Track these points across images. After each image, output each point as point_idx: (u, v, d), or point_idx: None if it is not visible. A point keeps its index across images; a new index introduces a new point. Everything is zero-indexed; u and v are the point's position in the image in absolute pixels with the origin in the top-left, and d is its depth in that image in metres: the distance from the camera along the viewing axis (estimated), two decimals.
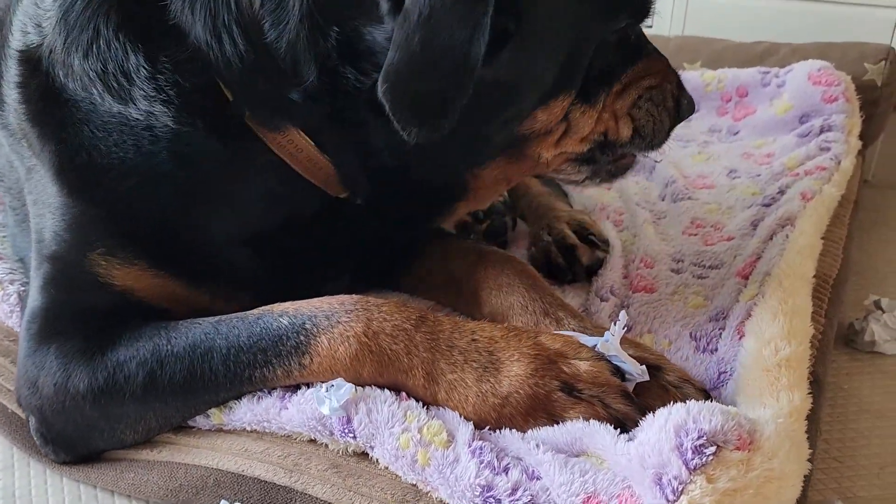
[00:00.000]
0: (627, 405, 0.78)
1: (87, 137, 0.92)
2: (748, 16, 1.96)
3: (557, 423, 0.80)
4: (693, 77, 1.76)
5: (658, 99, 1.04)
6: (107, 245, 0.93)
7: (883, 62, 1.67)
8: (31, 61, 0.95)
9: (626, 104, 1.02)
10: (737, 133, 1.66)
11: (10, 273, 1.16)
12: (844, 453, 1.04)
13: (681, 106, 1.07)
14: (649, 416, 0.71)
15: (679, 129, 1.67)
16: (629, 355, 0.84)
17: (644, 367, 0.81)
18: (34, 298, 0.97)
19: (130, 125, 0.91)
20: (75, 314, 0.94)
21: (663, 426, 0.66)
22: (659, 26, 2.06)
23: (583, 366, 0.82)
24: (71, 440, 0.95)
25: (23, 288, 1.14)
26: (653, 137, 1.05)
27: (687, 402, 0.70)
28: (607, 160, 1.06)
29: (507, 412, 0.81)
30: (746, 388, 0.79)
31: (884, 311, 1.26)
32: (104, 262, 0.93)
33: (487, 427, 0.82)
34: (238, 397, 0.91)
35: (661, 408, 0.70)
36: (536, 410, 0.80)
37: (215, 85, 0.89)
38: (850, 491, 0.99)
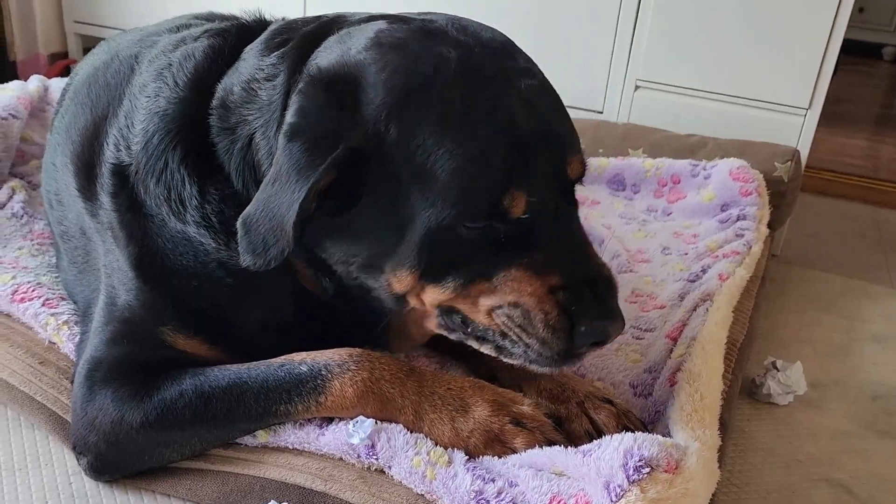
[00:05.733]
0: (558, 435, 1.08)
1: (160, 246, 1.14)
2: (682, 111, 2.28)
3: (510, 450, 1.05)
4: (636, 162, 2.07)
5: (522, 321, 1.00)
6: (174, 323, 1.15)
7: (789, 162, 2.00)
8: (121, 175, 1.17)
9: (488, 305, 1.02)
10: (670, 214, 1.96)
11: (75, 315, 1.36)
12: (742, 480, 1.32)
13: (587, 326, 0.97)
14: (606, 437, 0.98)
15: (623, 207, 1.99)
16: (589, 392, 1.13)
17: None
18: (98, 349, 1.16)
19: (189, 240, 1.13)
20: (134, 364, 1.14)
21: (616, 448, 0.94)
22: (610, 114, 2.38)
23: (526, 409, 1.09)
24: (120, 465, 1.14)
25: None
26: (525, 353, 1.02)
27: (635, 432, 0.97)
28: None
29: (472, 442, 1.07)
30: (681, 422, 1.05)
31: (779, 370, 1.55)
32: (171, 333, 1.15)
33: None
34: (265, 427, 1.13)
35: (616, 433, 0.98)
36: (493, 441, 1.07)
37: None
38: None
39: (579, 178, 1.07)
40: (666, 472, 0.93)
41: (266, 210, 0.97)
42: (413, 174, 0.96)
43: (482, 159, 0.95)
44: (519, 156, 0.96)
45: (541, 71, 1.09)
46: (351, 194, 0.99)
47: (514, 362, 1.06)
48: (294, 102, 1.00)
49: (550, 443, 1.06)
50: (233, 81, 1.12)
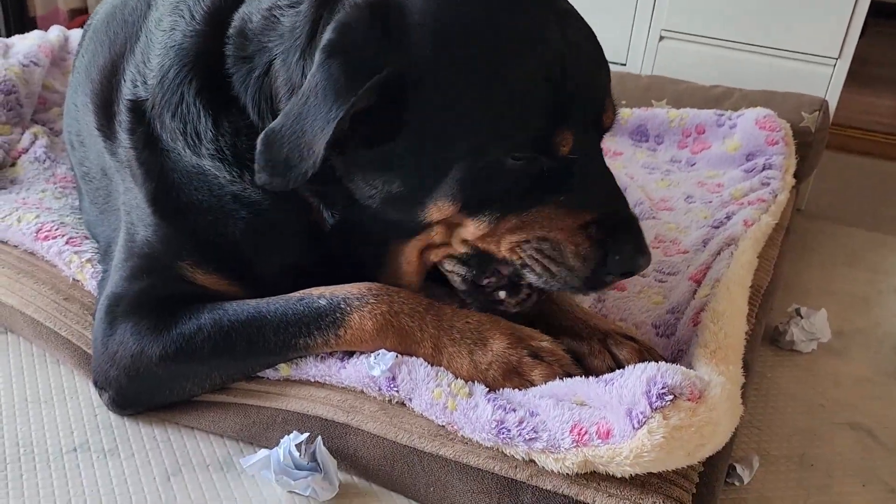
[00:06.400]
0: (577, 369, 1.07)
1: (176, 182, 1.14)
2: (708, 61, 2.24)
3: (529, 383, 1.05)
4: (661, 113, 2.04)
5: (552, 253, 1.02)
6: (192, 259, 1.15)
7: (817, 112, 1.96)
8: (138, 112, 1.16)
9: (513, 241, 1.04)
10: (694, 164, 1.94)
11: (98, 253, 1.37)
12: (763, 422, 1.32)
13: (620, 256, 1.01)
14: (629, 367, 0.97)
15: (646, 158, 1.97)
16: (610, 329, 1.13)
17: None
18: (118, 285, 1.17)
19: (204, 173, 1.13)
20: (154, 299, 1.15)
21: (639, 376, 0.93)
22: (633, 65, 2.35)
23: (545, 343, 1.09)
24: (141, 399, 1.16)
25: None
26: (549, 281, 1.04)
27: (658, 362, 0.97)
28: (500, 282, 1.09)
29: (491, 375, 1.06)
30: (704, 359, 1.04)
31: (802, 318, 1.53)
32: (191, 269, 1.16)
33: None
34: (285, 361, 1.14)
35: (639, 363, 0.97)
36: (511, 374, 1.07)
37: None
38: (765, 451, 1.26)
39: (610, 126, 1.08)
40: (689, 400, 0.93)
41: (294, 127, 0.94)
42: (463, 103, 0.95)
43: (537, 93, 0.95)
44: (569, 95, 0.97)
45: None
46: (387, 124, 0.97)
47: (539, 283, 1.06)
48: (335, 21, 0.96)
49: (569, 376, 1.06)
50: (251, 10, 1.10)
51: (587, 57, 1.02)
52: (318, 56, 0.94)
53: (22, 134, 1.79)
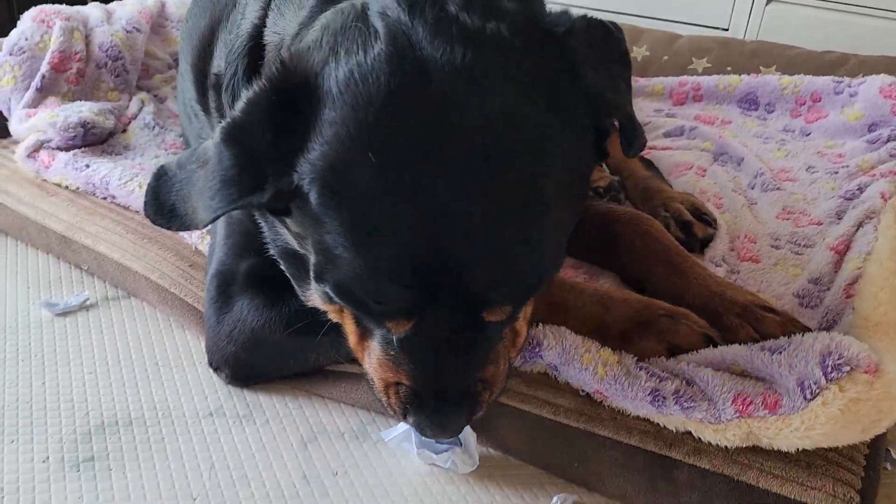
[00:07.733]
0: (716, 332, 1.03)
1: None
2: (819, 25, 2.14)
3: (670, 345, 1.02)
4: (772, 80, 1.94)
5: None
6: None
7: None
8: (218, 87, 1.13)
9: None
10: (808, 134, 1.84)
11: None
12: None
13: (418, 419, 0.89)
14: (797, 336, 0.94)
15: (758, 127, 1.88)
16: (748, 300, 1.08)
17: None
18: (224, 263, 1.14)
19: None
20: (264, 275, 1.09)
21: (811, 345, 0.89)
22: (736, 30, 2.25)
23: (678, 308, 1.05)
24: (261, 371, 1.15)
25: None
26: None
27: (830, 331, 0.92)
28: None
29: (628, 328, 1.03)
30: (867, 331, 0.98)
31: None
32: None
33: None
34: None
35: (812, 332, 0.94)
36: (649, 330, 1.03)
37: None
38: None
39: (501, 322, 0.86)
40: (866, 372, 0.88)
41: (183, 186, 0.86)
42: (323, 248, 0.79)
43: (382, 279, 0.77)
44: (423, 289, 0.77)
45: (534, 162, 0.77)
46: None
47: None
48: (246, 97, 0.81)
49: (713, 344, 1.01)
50: None
51: (476, 256, 0.75)
52: (217, 132, 0.81)
53: (129, 100, 1.80)
